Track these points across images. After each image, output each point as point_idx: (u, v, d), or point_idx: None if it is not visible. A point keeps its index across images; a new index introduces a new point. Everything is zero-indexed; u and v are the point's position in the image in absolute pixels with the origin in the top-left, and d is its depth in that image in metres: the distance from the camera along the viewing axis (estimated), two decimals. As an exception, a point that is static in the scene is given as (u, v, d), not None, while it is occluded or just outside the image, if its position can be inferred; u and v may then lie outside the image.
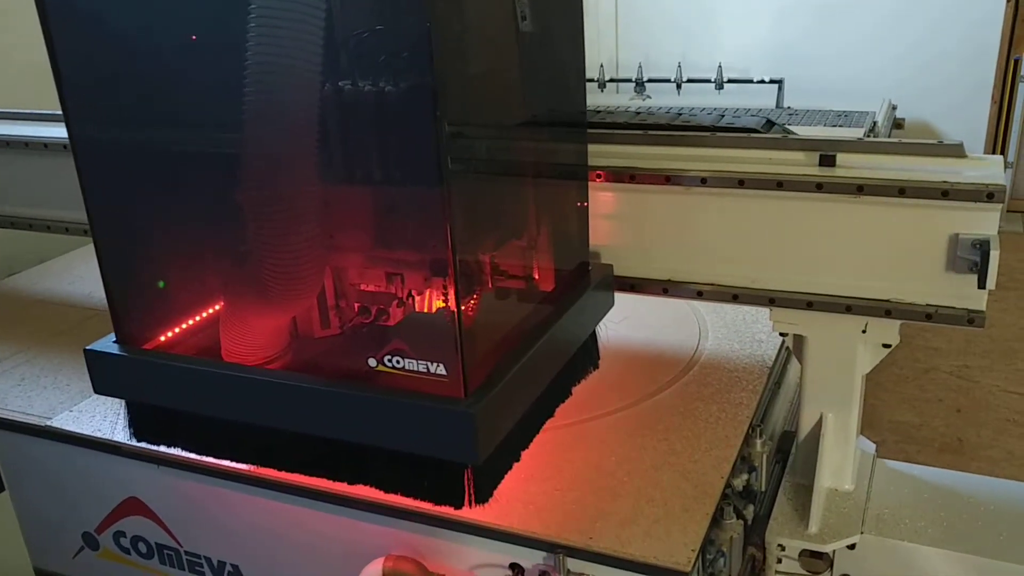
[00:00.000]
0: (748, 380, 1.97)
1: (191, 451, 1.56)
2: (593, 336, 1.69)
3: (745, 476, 1.70)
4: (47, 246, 2.96)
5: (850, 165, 1.56)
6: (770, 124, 1.77)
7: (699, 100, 5.03)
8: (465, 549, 1.57)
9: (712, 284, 1.68)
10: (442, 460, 1.31)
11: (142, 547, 1.96)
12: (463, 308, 1.24)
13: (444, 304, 1.29)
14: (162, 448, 1.60)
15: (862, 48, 5.16)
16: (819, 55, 5.23)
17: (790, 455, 1.83)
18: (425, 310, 1.39)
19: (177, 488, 1.84)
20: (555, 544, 1.47)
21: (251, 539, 1.81)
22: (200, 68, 1.32)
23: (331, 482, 1.45)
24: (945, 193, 1.45)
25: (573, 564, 1.47)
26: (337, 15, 1.21)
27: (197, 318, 1.50)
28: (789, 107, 4.87)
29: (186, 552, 1.91)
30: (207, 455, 1.55)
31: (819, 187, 1.53)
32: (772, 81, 5.08)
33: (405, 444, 1.31)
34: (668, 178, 1.63)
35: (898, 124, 4.96)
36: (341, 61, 1.24)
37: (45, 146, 2.23)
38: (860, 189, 1.51)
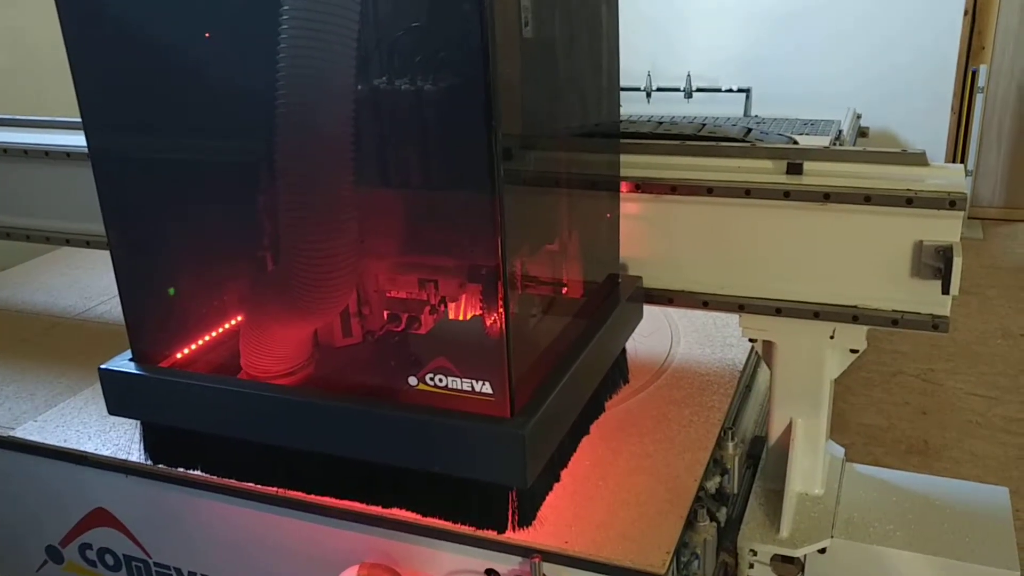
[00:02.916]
0: (719, 384, 1.99)
1: (213, 474, 1.50)
2: (623, 349, 1.66)
3: (718, 479, 1.72)
4: (7, 254, 2.91)
5: (817, 173, 1.58)
6: (793, 141, 1.79)
7: (668, 109, 5.08)
8: (440, 555, 1.56)
9: (682, 291, 1.70)
10: (485, 483, 1.25)
11: (109, 559, 1.93)
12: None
13: (482, 315, 1.22)
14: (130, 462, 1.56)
15: (827, 59, 5.24)
16: (786, 65, 5.30)
17: (760, 460, 1.85)
18: (459, 317, 1.34)
19: (146, 498, 1.81)
20: (530, 549, 1.47)
21: (222, 549, 1.79)
22: (237, 67, 1.25)
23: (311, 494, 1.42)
24: (909, 201, 1.48)
25: (549, 569, 1.47)
26: (386, 12, 1.16)
27: (215, 333, 1.45)
28: (756, 116, 4.93)
29: (156, 564, 1.88)
30: (231, 478, 1.49)
31: (786, 195, 1.55)
32: (740, 90, 5.15)
33: (447, 466, 1.25)
34: (637, 186, 1.65)
35: (863, 133, 5.04)
36: (394, 60, 1.18)
37: (25, 152, 2.11)
38: (827, 197, 1.53)
